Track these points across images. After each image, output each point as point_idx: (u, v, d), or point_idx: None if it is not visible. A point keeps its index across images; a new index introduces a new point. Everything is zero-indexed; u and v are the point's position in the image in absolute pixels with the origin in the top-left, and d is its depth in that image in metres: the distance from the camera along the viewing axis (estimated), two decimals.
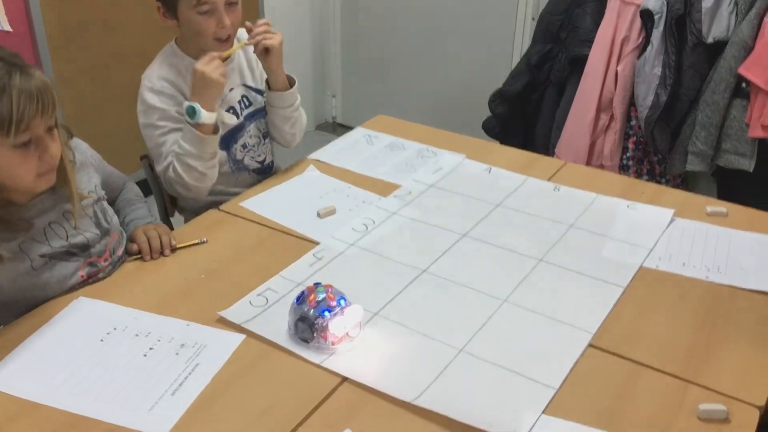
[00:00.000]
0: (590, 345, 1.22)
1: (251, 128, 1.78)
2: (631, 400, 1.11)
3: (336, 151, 1.90)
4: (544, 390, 1.12)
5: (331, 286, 1.22)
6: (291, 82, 1.75)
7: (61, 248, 1.32)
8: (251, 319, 1.26)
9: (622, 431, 1.06)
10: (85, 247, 1.36)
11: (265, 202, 1.65)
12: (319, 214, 1.59)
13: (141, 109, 1.65)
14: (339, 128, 3.80)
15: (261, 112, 1.80)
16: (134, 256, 1.44)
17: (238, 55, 1.76)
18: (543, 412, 1.08)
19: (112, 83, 2.77)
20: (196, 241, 1.49)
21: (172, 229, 1.64)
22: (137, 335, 1.23)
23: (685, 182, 2.65)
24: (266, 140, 1.84)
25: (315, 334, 1.17)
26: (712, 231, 1.55)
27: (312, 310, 1.18)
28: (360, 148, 1.92)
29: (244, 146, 1.77)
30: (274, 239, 1.52)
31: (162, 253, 1.44)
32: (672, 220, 1.58)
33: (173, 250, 1.46)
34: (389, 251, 1.47)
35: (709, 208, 1.62)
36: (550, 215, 1.60)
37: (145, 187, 1.74)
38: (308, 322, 1.17)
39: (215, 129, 1.60)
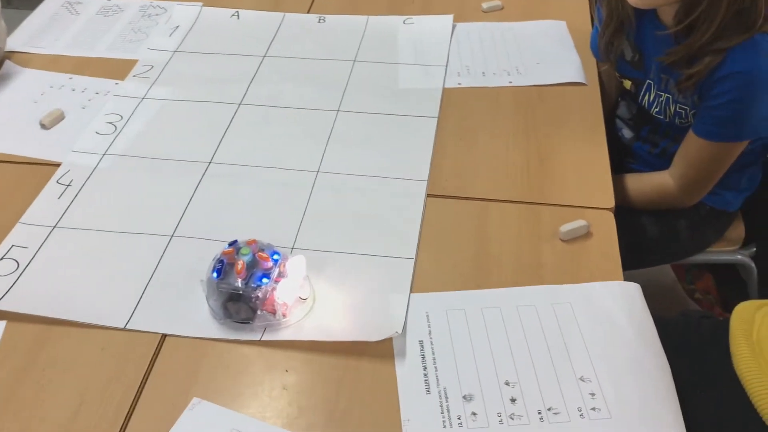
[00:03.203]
0: (429, 195, 1.07)
1: None
2: (490, 244, 0.99)
3: (31, 33, 1.45)
4: (403, 264, 0.96)
5: (255, 242, 0.89)
6: None
7: None
8: (4, 295, 0.93)
9: (495, 282, 0.94)
10: None
11: None
12: (43, 125, 1.20)
13: None
14: (18, 0, 3.08)
15: None
16: None
17: None
18: (411, 291, 0.92)
19: None
20: None
21: None
22: None
23: None
24: None
25: (259, 311, 0.86)
26: (496, 29, 1.43)
27: (244, 282, 0.85)
28: (63, 22, 1.48)
29: None
30: None
31: None
32: (454, 27, 1.43)
33: None
34: (156, 149, 1.15)
35: (485, 5, 1.49)
36: (326, 54, 1.37)
37: None
38: (245, 300, 0.85)
39: None
